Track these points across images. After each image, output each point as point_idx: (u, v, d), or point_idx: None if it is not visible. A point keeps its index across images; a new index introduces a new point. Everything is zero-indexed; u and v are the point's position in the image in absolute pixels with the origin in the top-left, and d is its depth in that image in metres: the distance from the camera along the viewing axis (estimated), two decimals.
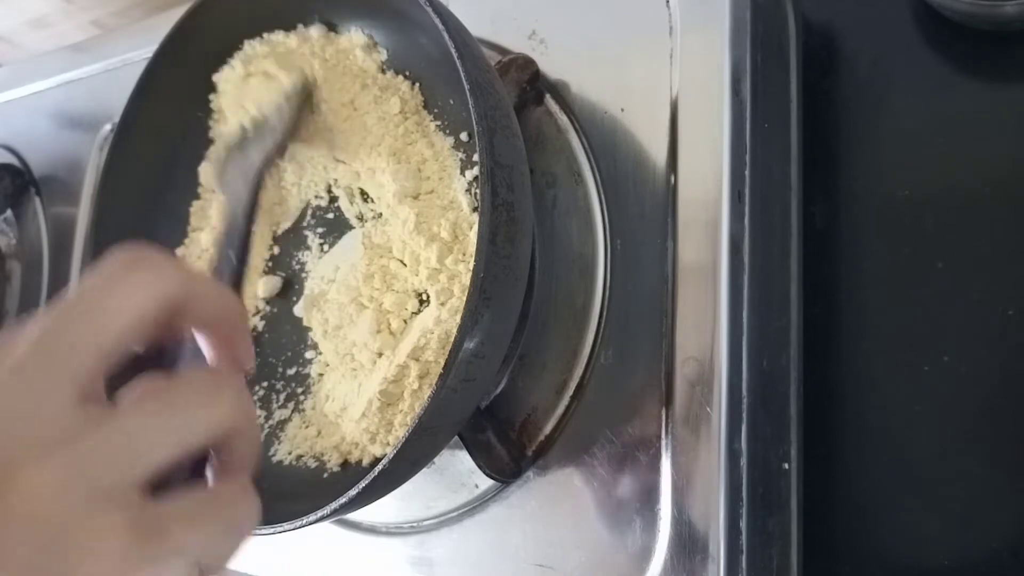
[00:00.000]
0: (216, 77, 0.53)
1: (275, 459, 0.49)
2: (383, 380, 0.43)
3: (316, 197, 0.51)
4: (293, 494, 0.44)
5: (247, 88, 0.53)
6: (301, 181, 0.52)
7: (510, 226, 0.38)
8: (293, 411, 0.49)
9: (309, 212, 0.52)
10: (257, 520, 0.28)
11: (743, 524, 0.39)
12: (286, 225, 0.52)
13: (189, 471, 0.28)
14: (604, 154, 0.45)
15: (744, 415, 0.40)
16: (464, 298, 0.39)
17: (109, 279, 0.26)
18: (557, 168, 0.47)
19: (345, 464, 0.46)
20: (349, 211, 0.50)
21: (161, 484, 0.26)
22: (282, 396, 0.50)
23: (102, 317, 0.26)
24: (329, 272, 0.49)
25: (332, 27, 0.52)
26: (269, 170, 0.48)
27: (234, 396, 0.28)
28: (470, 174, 0.44)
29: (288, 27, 0.52)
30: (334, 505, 0.38)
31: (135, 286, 0.26)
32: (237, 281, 0.40)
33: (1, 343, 0.25)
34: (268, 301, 0.52)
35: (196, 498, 0.27)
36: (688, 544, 0.39)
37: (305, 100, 0.49)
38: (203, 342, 0.30)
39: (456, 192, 0.44)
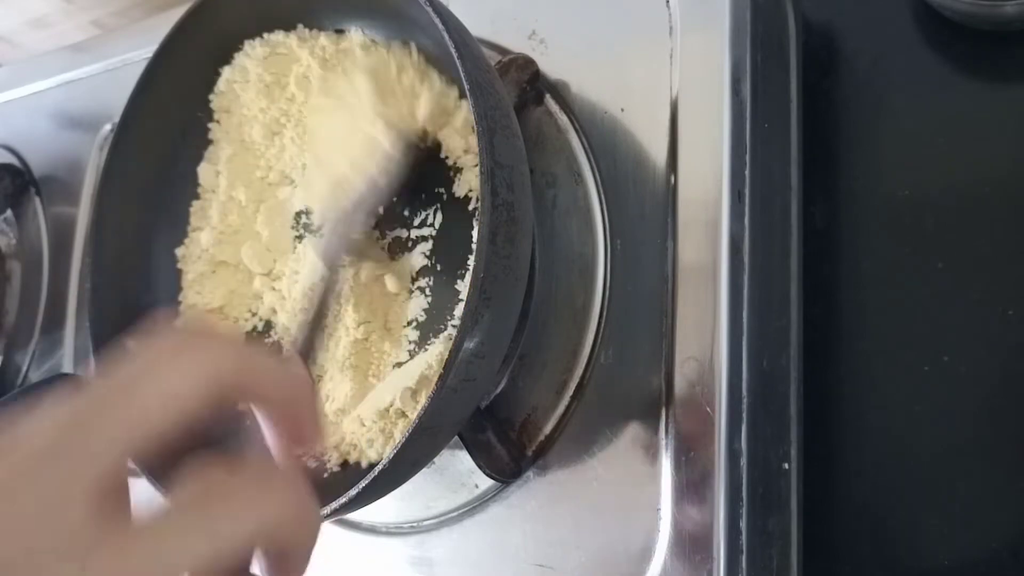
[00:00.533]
0: (220, 79, 0.53)
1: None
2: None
3: None
4: None
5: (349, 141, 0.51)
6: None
7: (510, 226, 0.38)
8: None
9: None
10: None
11: (743, 524, 0.39)
12: None
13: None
14: (604, 154, 0.45)
15: (744, 415, 0.40)
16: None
17: (151, 359, 0.23)
18: (557, 168, 0.47)
19: (344, 464, 0.46)
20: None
21: None
22: None
23: (136, 405, 0.22)
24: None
25: (337, 30, 0.51)
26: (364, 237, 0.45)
27: (290, 497, 0.24)
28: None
29: (288, 27, 0.51)
30: (334, 505, 0.38)
31: (180, 367, 0.23)
32: (308, 346, 0.38)
33: (22, 429, 0.22)
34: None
35: None
36: (688, 544, 0.39)
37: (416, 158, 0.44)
38: (263, 421, 0.27)
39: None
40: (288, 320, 0.50)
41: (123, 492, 0.23)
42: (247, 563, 0.25)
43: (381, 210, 0.45)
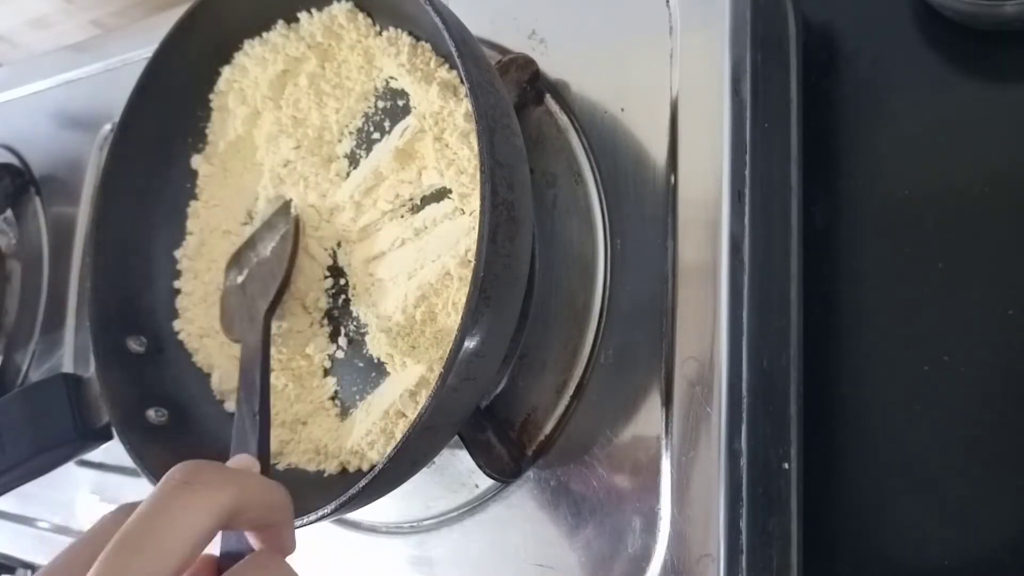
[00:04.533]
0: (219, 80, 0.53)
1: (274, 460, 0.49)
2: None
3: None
4: (293, 494, 0.44)
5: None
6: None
7: (510, 225, 0.38)
8: None
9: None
10: None
11: (743, 524, 0.39)
12: None
13: None
14: (604, 154, 0.45)
15: (744, 415, 0.40)
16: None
17: (167, 504, 0.27)
18: (557, 168, 0.47)
19: (344, 469, 0.46)
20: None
21: None
22: None
23: (165, 544, 0.26)
24: None
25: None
26: (278, 313, 0.47)
27: (251, 476, 0.29)
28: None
29: (289, 19, 0.52)
30: (335, 504, 0.38)
31: (195, 507, 0.27)
32: (264, 445, 0.40)
33: (72, 553, 0.27)
34: None
35: None
36: (688, 544, 0.39)
37: (299, 233, 0.49)
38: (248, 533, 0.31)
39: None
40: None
41: None
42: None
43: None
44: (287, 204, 0.50)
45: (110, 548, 0.26)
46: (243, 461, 0.37)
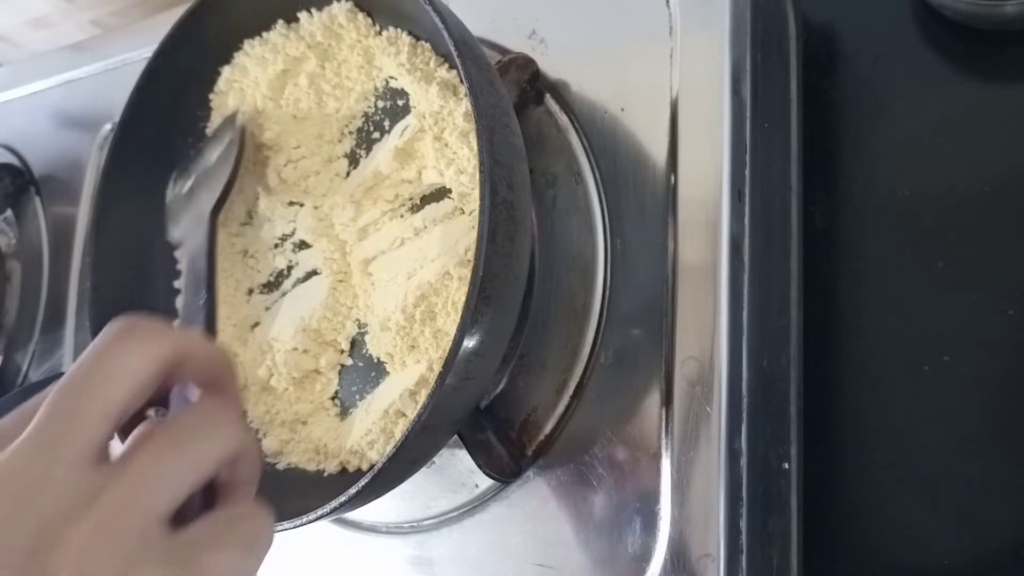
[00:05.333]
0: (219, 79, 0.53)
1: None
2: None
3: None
4: (293, 493, 0.44)
5: None
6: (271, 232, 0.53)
7: (510, 225, 0.38)
8: None
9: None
10: (272, 534, 0.30)
11: (743, 524, 0.39)
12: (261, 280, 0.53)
13: (202, 497, 0.29)
14: (604, 154, 0.45)
15: (744, 415, 0.40)
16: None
17: (108, 349, 0.28)
18: (557, 168, 0.47)
19: (344, 469, 0.46)
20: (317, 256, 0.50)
21: (179, 516, 0.27)
22: None
23: (106, 386, 0.27)
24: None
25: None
26: (219, 215, 0.49)
27: (232, 423, 0.30)
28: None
29: (289, 19, 0.52)
30: (334, 503, 0.38)
31: (134, 352, 0.28)
32: (211, 323, 0.41)
33: (16, 416, 0.27)
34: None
35: (216, 524, 0.28)
36: (688, 544, 0.39)
37: (244, 140, 0.50)
38: (194, 394, 0.32)
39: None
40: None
41: (107, 455, 0.27)
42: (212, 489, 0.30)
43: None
44: (233, 115, 0.52)
45: (55, 393, 0.27)
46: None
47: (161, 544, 0.26)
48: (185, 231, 0.49)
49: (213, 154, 0.51)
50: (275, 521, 0.39)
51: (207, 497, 0.30)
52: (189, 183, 0.52)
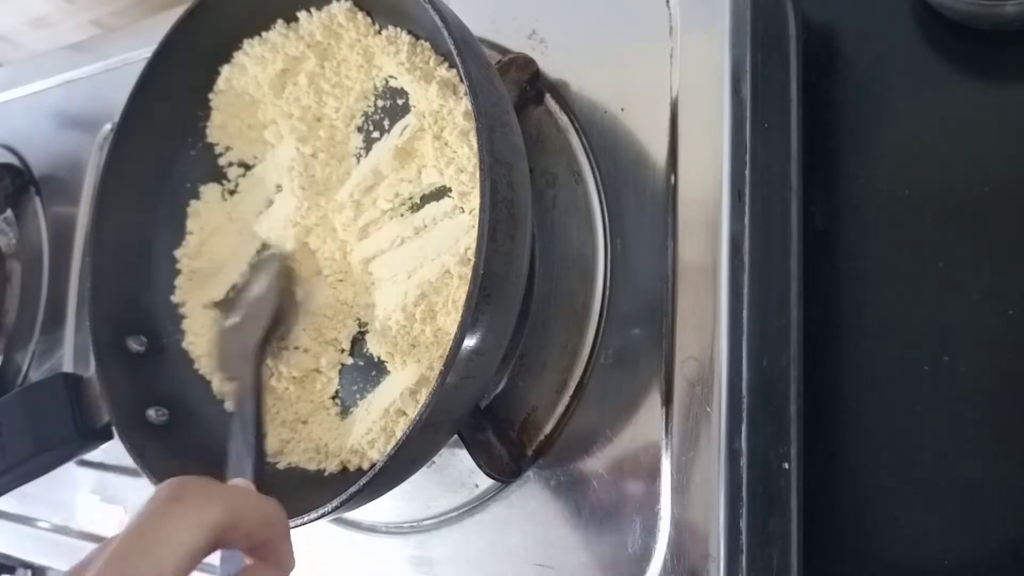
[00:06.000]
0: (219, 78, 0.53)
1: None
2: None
3: None
4: (294, 493, 0.44)
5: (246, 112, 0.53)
6: None
7: (510, 223, 0.38)
8: None
9: None
10: None
11: (743, 524, 0.39)
12: None
13: None
14: (604, 154, 0.45)
15: (744, 415, 0.40)
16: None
17: (158, 517, 0.27)
18: (557, 168, 0.47)
19: (344, 468, 0.46)
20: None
21: None
22: None
23: (159, 558, 0.26)
24: None
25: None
26: (269, 351, 0.48)
27: (246, 493, 0.30)
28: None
29: (289, 18, 0.52)
30: (335, 503, 0.38)
31: (183, 523, 0.27)
32: (259, 472, 0.41)
33: None
34: None
35: None
36: (688, 544, 0.39)
37: (286, 271, 0.50)
38: (246, 552, 0.31)
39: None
40: None
41: None
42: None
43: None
44: (274, 252, 0.52)
45: (101, 567, 0.26)
46: (238, 482, 0.38)
47: None
48: (233, 368, 0.49)
49: (258, 287, 0.51)
50: None
51: None
52: (235, 317, 0.51)
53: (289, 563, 0.32)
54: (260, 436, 0.43)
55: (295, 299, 0.50)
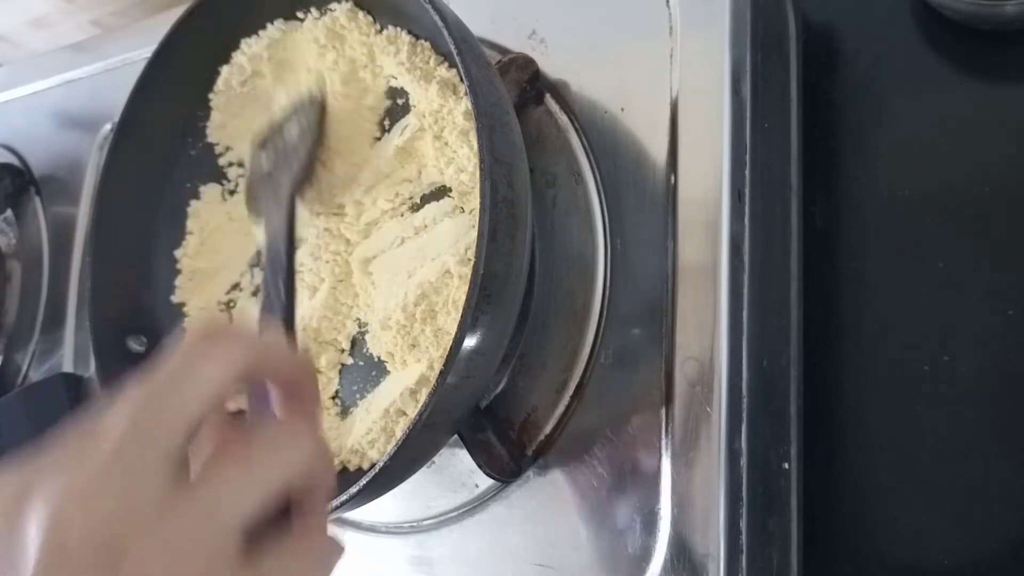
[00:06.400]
0: (218, 78, 0.53)
1: None
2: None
3: None
4: None
5: (246, 112, 0.52)
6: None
7: (510, 223, 0.38)
8: None
9: None
10: (342, 548, 0.30)
11: (743, 524, 0.39)
12: None
13: (274, 510, 0.29)
14: (604, 154, 0.45)
15: (744, 415, 0.40)
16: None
17: (190, 355, 0.28)
18: (557, 168, 0.47)
19: (344, 468, 0.46)
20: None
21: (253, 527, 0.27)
22: None
23: (188, 393, 0.27)
24: None
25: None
26: (301, 194, 0.48)
27: (309, 439, 0.30)
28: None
29: (288, 17, 0.52)
30: (335, 502, 0.38)
31: (215, 360, 0.28)
32: (289, 314, 0.40)
33: (96, 423, 0.27)
34: None
35: (289, 539, 0.29)
36: (688, 544, 0.39)
37: (323, 114, 0.49)
38: (273, 395, 0.32)
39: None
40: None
41: (185, 464, 0.28)
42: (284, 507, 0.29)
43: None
44: (311, 93, 0.50)
45: (137, 400, 0.27)
46: (268, 324, 0.38)
47: (235, 559, 0.26)
48: (264, 212, 0.48)
49: (292, 131, 0.50)
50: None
51: (280, 508, 0.29)
52: (269, 162, 0.50)
53: (316, 400, 0.33)
54: (291, 279, 0.42)
55: (328, 145, 0.49)
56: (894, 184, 0.47)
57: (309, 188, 0.49)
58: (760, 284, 0.42)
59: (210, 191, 0.55)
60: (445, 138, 0.45)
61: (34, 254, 0.71)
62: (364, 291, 0.48)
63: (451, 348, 0.36)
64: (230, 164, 0.55)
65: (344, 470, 0.45)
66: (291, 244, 0.44)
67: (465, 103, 0.43)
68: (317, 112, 0.49)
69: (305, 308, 0.49)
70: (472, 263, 0.38)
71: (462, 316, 0.36)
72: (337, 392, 0.48)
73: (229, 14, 0.52)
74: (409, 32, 0.48)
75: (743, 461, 0.40)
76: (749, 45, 0.43)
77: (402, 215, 0.47)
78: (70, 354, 0.67)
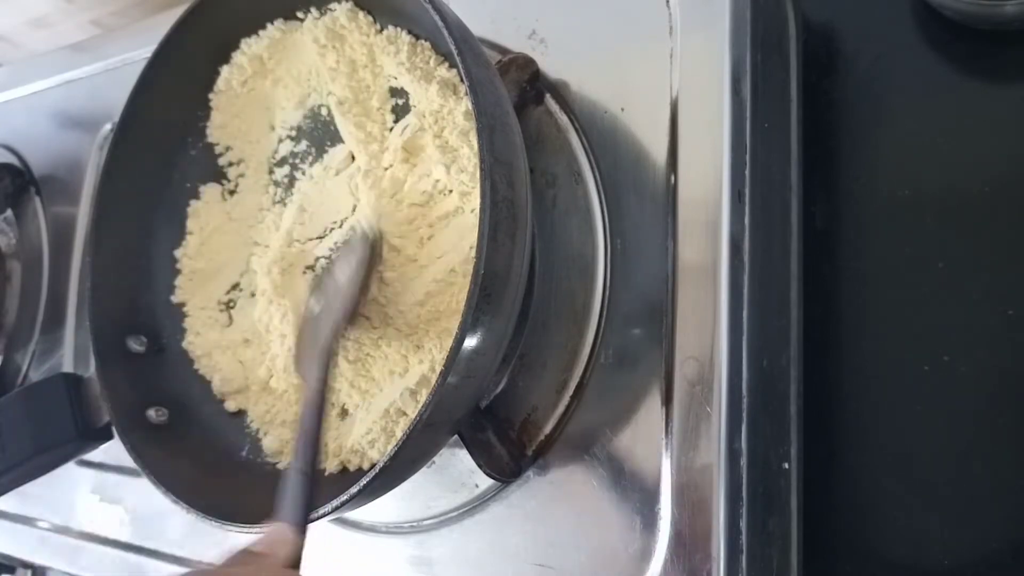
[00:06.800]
0: (218, 78, 0.53)
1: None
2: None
3: None
4: None
5: (246, 112, 0.52)
6: None
7: (510, 222, 0.38)
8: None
9: None
10: None
11: (743, 524, 0.39)
12: None
13: None
14: (604, 154, 0.45)
15: (744, 415, 0.40)
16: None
17: None
18: (557, 168, 0.47)
19: (344, 468, 0.46)
20: None
21: None
22: None
23: None
24: None
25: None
26: (339, 344, 0.44)
27: None
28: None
29: (288, 17, 0.52)
30: (335, 503, 0.38)
31: None
32: (307, 497, 0.38)
33: None
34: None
35: None
36: (688, 544, 0.39)
37: (372, 266, 0.45)
38: None
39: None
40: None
41: None
42: None
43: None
44: (364, 232, 0.46)
45: None
46: (278, 532, 0.38)
47: None
48: (305, 369, 0.44)
49: (343, 272, 0.45)
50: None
51: None
52: (319, 305, 0.46)
53: None
54: (314, 461, 0.39)
55: (372, 292, 0.45)
56: (894, 184, 0.47)
57: (352, 329, 0.45)
58: (760, 284, 0.42)
59: (210, 191, 0.55)
60: (445, 138, 0.45)
61: (34, 254, 0.71)
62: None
63: (451, 348, 0.36)
64: (230, 164, 0.55)
65: (344, 470, 0.45)
66: (319, 417, 0.40)
67: (465, 103, 0.43)
68: (367, 249, 0.45)
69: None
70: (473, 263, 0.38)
71: (462, 316, 0.36)
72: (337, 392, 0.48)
73: (229, 14, 0.52)
74: (409, 32, 0.48)
75: (743, 461, 0.40)
76: (749, 45, 0.43)
77: None
78: (70, 354, 0.67)
